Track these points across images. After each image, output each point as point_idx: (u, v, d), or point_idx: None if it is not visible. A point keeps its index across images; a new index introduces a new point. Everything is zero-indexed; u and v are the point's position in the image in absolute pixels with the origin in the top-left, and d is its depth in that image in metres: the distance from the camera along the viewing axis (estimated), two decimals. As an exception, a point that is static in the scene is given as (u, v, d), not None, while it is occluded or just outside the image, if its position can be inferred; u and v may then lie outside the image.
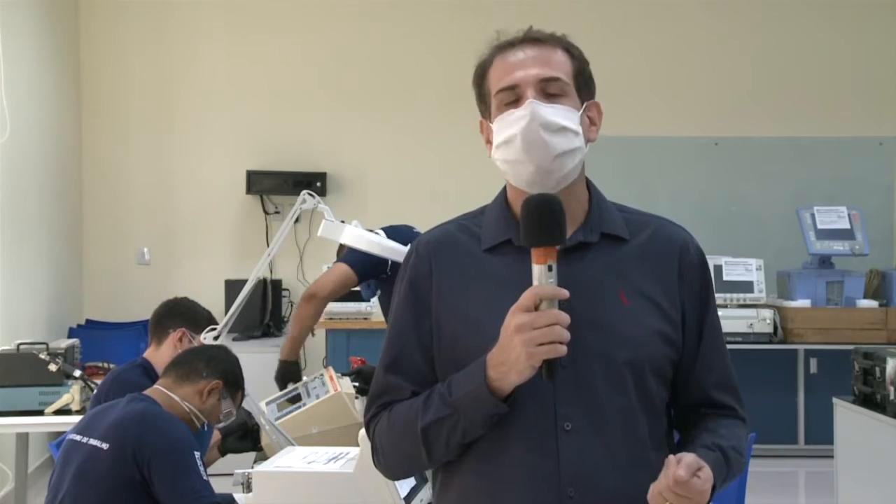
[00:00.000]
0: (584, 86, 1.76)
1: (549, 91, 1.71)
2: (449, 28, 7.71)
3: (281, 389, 3.98)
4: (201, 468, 2.81)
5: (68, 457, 2.87)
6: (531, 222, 1.62)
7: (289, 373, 4.07)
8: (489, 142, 1.78)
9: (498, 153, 1.73)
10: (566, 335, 1.57)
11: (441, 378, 1.73)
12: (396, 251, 3.50)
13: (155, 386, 3.10)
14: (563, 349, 1.58)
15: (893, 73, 7.98)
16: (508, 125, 1.70)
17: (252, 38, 7.76)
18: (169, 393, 3.03)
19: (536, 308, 1.58)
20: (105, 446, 2.79)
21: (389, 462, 1.79)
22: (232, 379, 3.14)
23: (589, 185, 1.82)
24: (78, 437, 2.87)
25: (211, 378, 3.07)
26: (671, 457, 1.60)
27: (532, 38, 1.74)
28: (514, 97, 1.71)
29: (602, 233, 1.76)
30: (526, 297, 1.58)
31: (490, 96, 1.75)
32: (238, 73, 7.74)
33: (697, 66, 7.91)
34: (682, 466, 1.56)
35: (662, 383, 1.75)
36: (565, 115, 1.70)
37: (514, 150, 1.70)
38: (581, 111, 1.74)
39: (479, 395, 1.63)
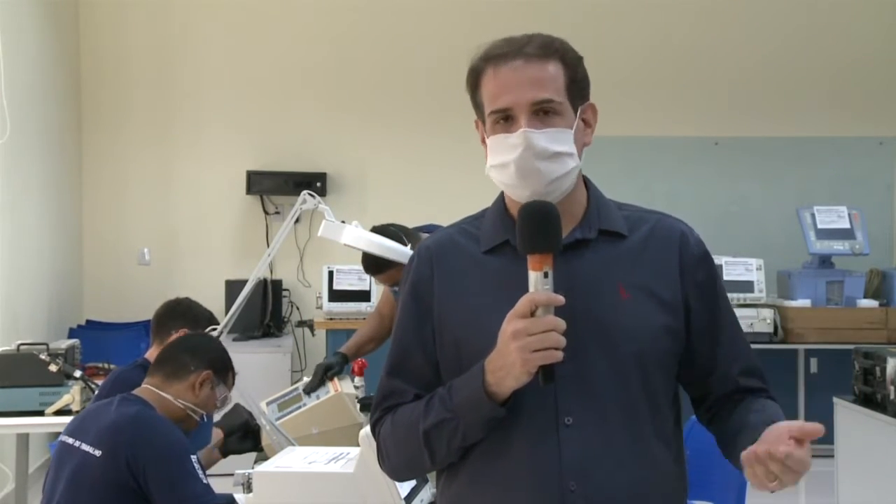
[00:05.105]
0: (577, 93, 1.74)
1: (542, 110, 1.70)
2: (448, 28, 7.71)
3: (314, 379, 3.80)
4: (199, 471, 2.77)
5: (61, 460, 2.83)
6: (526, 229, 1.63)
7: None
8: (484, 142, 1.78)
9: (493, 173, 1.74)
10: (562, 341, 1.58)
11: (445, 380, 1.74)
12: (397, 252, 3.49)
13: (144, 385, 3.03)
14: (559, 355, 1.58)
15: (893, 73, 7.98)
16: (503, 150, 1.70)
17: (252, 38, 7.76)
18: (161, 393, 2.98)
19: (533, 314, 1.58)
20: (97, 453, 2.75)
21: (394, 464, 1.81)
22: (220, 365, 3.10)
23: (587, 184, 1.82)
24: (70, 441, 2.83)
25: (200, 370, 3.03)
26: (776, 425, 1.55)
27: (524, 54, 1.71)
28: (506, 117, 1.71)
29: (600, 230, 1.77)
30: (522, 304, 1.59)
31: (483, 108, 1.75)
32: (238, 73, 7.74)
33: (697, 66, 7.91)
34: (796, 431, 1.51)
35: (667, 377, 1.76)
36: (559, 140, 1.70)
37: (509, 176, 1.70)
38: (575, 123, 1.73)
39: (478, 400, 1.64)
